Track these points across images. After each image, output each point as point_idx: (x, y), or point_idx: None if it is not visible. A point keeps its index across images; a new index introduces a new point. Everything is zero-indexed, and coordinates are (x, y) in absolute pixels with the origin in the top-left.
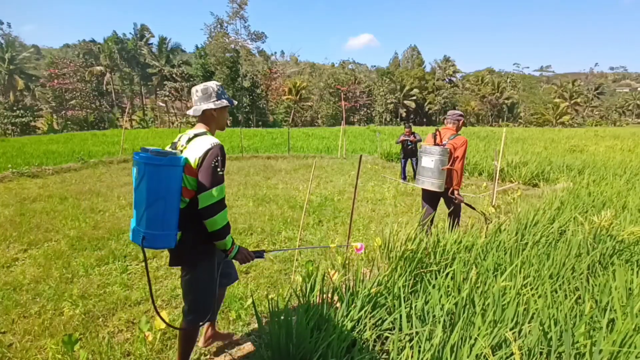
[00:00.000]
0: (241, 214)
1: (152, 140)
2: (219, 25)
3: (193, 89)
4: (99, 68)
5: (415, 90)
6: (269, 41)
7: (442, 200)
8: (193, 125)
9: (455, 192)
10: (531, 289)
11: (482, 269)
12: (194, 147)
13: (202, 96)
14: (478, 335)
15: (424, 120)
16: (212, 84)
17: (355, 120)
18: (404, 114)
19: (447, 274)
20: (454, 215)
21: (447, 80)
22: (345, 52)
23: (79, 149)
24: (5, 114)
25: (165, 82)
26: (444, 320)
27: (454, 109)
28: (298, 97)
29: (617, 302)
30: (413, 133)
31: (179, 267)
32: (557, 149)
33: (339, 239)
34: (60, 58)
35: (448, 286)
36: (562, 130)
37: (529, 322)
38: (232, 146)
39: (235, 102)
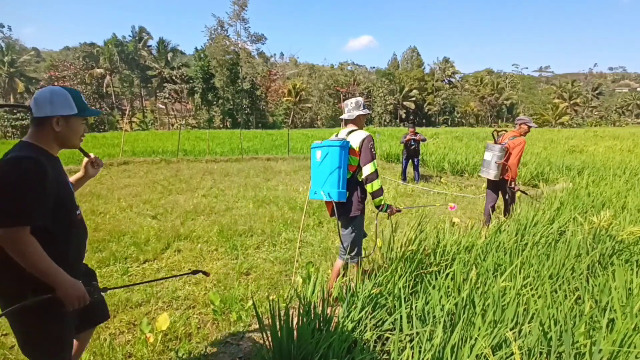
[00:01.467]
0: (241, 215)
1: (152, 142)
2: (219, 27)
3: (347, 101)
4: (99, 70)
5: (415, 92)
6: (269, 43)
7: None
8: (193, 128)
9: (512, 182)
10: (531, 289)
11: (482, 270)
12: (354, 138)
13: (355, 106)
14: (478, 335)
15: (424, 121)
16: (360, 99)
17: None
18: (403, 115)
19: (447, 275)
20: (510, 201)
21: (446, 81)
22: (344, 54)
23: (79, 151)
24: (5, 116)
25: (165, 85)
26: (444, 321)
27: (453, 110)
28: (298, 98)
29: (617, 302)
30: (417, 133)
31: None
32: (556, 149)
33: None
34: (61, 61)
35: (448, 287)
36: (562, 130)
37: (529, 322)
38: (231, 148)
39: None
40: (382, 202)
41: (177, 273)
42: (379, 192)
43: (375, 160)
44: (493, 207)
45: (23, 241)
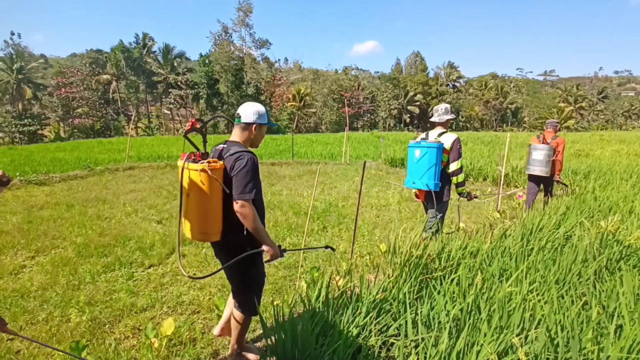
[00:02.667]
0: None
1: (157, 147)
2: (224, 33)
3: (437, 107)
4: (105, 76)
5: (419, 96)
6: (273, 48)
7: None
8: (197, 133)
9: (557, 176)
10: (537, 295)
11: (487, 275)
12: (446, 139)
13: (444, 112)
14: (484, 341)
15: (428, 125)
16: (448, 106)
17: (359, 126)
18: (407, 120)
19: (452, 280)
20: (549, 195)
21: (450, 85)
22: (349, 59)
23: (85, 156)
24: (13, 122)
25: (170, 90)
26: (450, 327)
27: (458, 114)
28: (302, 103)
29: (625, 308)
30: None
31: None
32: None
33: (344, 245)
34: (68, 67)
35: (453, 292)
36: (567, 134)
37: (536, 328)
38: None
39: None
40: (463, 191)
41: (313, 246)
42: (462, 183)
43: (461, 159)
44: (534, 199)
45: (251, 208)
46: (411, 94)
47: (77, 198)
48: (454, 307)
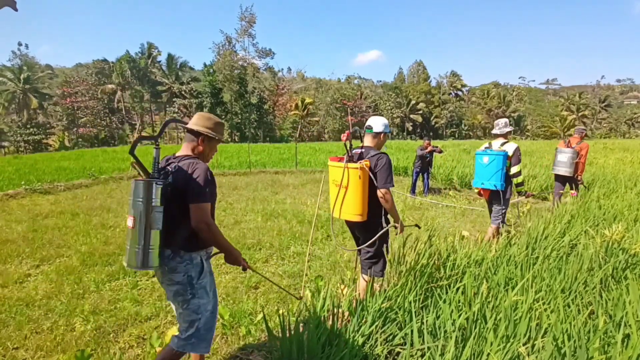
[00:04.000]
0: (250, 229)
1: (161, 156)
2: (227, 44)
3: (497, 121)
4: (110, 86)
5: (422, 105)
6: (277, 57)
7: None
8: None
9: (579, 177)
10: (543, 304)
11: (492, 284)
12: (508, 147)
13: (504, 125)
14: (490, 350)
15: (431, 133)
16: (507, 120)
17: (362, 134)
18: (410, 128)
19: (458, 289)
20: (576, 188)
21: (453, 94)
22: (353, 68)
23: (89, 165)
24: (19, 132)
25: (174, 99)
26: (456, 336)
27: (460, 122)
28: (305, 112)
29: (632, 317)
30: (430, 145)
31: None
32: None
33: (347, 254)
34: (73, 77)
35: (459, 301)
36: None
37: (542, 337)
38: (239, 161)
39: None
40: (522, 190)
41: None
42: (521, 184)
43: (520, 163)
44: (560, 195)
45: (391, 195)
46: (414, 102)
47: (81, 207)
48: (459, 316)
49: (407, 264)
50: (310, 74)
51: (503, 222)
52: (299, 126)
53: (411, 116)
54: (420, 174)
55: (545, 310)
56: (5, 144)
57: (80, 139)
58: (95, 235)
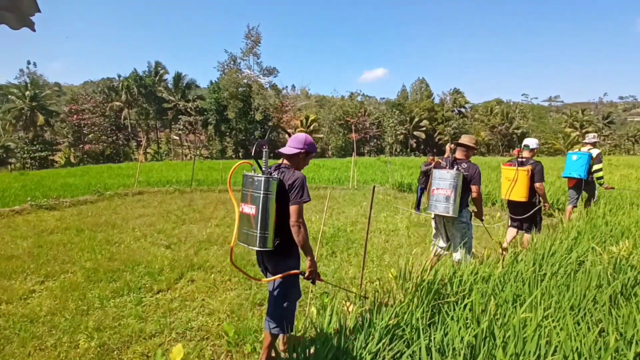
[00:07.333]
0: None
1: (166, 172)
2: (232, 62)
3: (588, 135)
4: (117, 103)
5: (425, 122)
6: (282, 75)
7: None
8: (205, 158)
9: (602, 180)
10: (552, 321)
11: (500, 300)
12: (593, 152)
13: (593, 138)
14: None
15: (434, 150)
16: (596, 134)
17: (366, 151)
18: (414, 145)
19: (465, 306)
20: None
21: (456, 111)
22: (357, 85)
23: (95, 181)
24: (25, 148)
25: (179, 116)
26: (465, 354)
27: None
28: (309, 129)
29: None
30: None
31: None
32: None
33: (353, 270)
34: (80, 94)
35: (467, 318)
36: None
37: (552, 355)
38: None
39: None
40: (602, 182)
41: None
42: (601, 177)
43: (601, 163)
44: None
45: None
46: (417, 119)
47: (86, 223)
48: (467, 333)
49: (414, 281)
50: (315, 90)
51: (575, 205)
52: None
53: (415, 133)
54: (425, 190)
55: (555, 327)
56: (12, 160)
57: (86, 156)
58: (100, 252)
